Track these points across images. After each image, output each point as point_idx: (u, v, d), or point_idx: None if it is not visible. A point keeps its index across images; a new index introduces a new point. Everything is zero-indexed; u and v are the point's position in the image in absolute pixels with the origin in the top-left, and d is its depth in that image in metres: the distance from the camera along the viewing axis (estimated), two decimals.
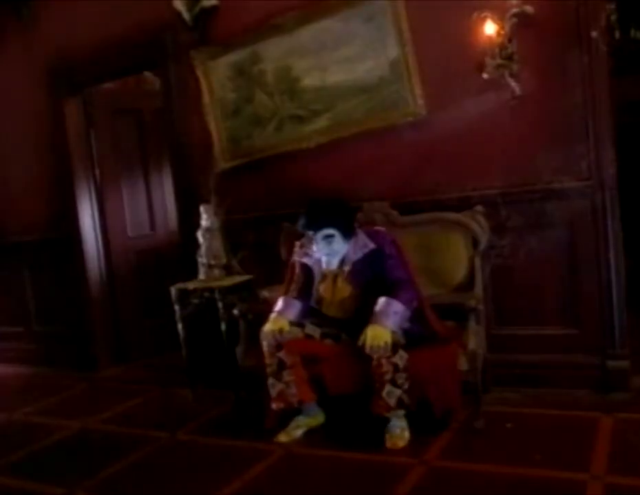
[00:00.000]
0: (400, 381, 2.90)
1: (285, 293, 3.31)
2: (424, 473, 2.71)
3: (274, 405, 3.16)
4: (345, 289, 3.17)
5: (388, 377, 2.89)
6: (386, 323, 2.90)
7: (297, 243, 3.37)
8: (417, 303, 3.06)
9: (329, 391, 3.11)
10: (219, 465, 3.04)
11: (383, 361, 2.88)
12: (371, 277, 3.11)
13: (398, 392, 2.91)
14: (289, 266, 3.41)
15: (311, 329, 3.20)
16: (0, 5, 5.06)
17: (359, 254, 3.14)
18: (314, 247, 3.18)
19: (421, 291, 3.13)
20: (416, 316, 3.09)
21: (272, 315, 3.20)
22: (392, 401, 2.91)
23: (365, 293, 3.10)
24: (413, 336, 2.99)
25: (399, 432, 2.98)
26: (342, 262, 3.17)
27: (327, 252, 3.14)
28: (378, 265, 3.10)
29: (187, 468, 3.04)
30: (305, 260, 3.29)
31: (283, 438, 3.18)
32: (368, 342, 2.88)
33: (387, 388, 2.90)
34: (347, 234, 3.15)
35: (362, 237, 3.18)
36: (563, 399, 3.27)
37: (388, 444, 2.94)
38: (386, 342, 2.85)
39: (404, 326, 2.99)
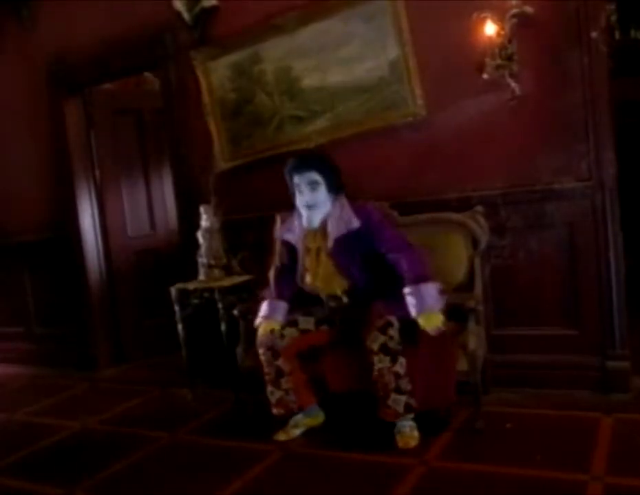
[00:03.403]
0: (403, 387, 2.89)
1: (274, 276, 3.28)
2: (424, 473, 2.71)
3: (274, 411, 3.17)
4: (328, 265, 3.10)
5: (392, 386, 2.89)
6: (431, 308, 2.88)
7: (278, 218, 3.31)
8: (424, 256, 3.03)
9: (330, 388, 3.11)
10: (219, 465, 3.04)
11: (385, 371, 2.87)
12: (353, 258, 3.05)
13: (403, 398, 2.90)
14: (273, 243, 3.35)
15: (304, 322, 3.18)
16: (0, 5, 5.07)
17: (343, 230, 3.05)
18: (297, 200, 3.14)
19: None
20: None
21: (259, 321, 3.20)
22: (400, 408, 2.90)
23: (351, 272, 3.07)
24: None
25: (409, 430, 2.96)
26: (324, 229, 3.09)
27: (309, 201, 3.07)
28: (364, 242, 3.04)
29: (187, 468, 3.04)
30: (287, 236, 3.23)
31: (281, 437, 3.18)
32: (428, 329, 2.86)
33: (393, 396, 2.89)
34: (332, 188, 3.10)
35: (348, 211, 3.08)
36: (563, 400, 3.27)
37: (400, 444, 2.91)
38: (442, 322, 2.87)
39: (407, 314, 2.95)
